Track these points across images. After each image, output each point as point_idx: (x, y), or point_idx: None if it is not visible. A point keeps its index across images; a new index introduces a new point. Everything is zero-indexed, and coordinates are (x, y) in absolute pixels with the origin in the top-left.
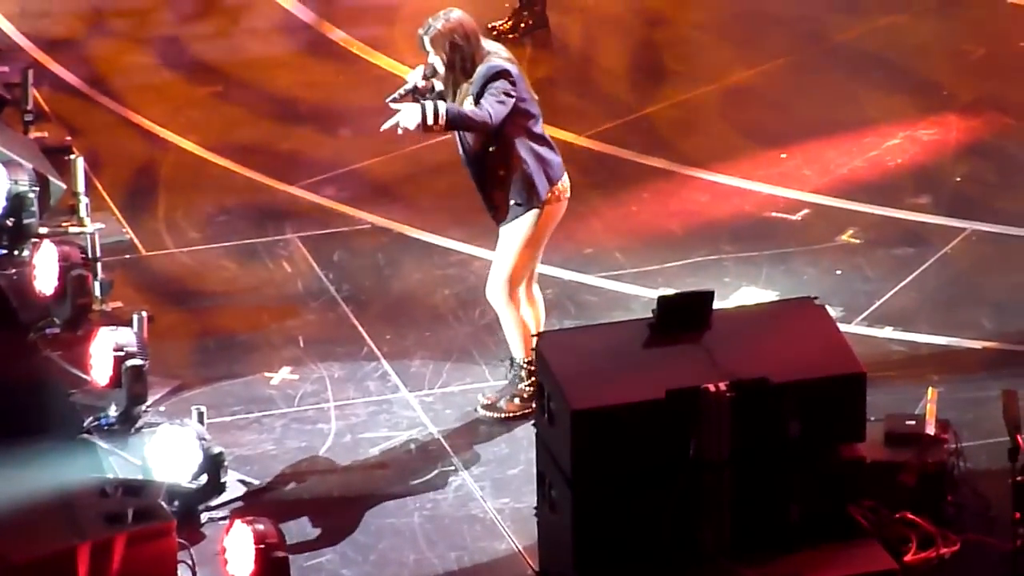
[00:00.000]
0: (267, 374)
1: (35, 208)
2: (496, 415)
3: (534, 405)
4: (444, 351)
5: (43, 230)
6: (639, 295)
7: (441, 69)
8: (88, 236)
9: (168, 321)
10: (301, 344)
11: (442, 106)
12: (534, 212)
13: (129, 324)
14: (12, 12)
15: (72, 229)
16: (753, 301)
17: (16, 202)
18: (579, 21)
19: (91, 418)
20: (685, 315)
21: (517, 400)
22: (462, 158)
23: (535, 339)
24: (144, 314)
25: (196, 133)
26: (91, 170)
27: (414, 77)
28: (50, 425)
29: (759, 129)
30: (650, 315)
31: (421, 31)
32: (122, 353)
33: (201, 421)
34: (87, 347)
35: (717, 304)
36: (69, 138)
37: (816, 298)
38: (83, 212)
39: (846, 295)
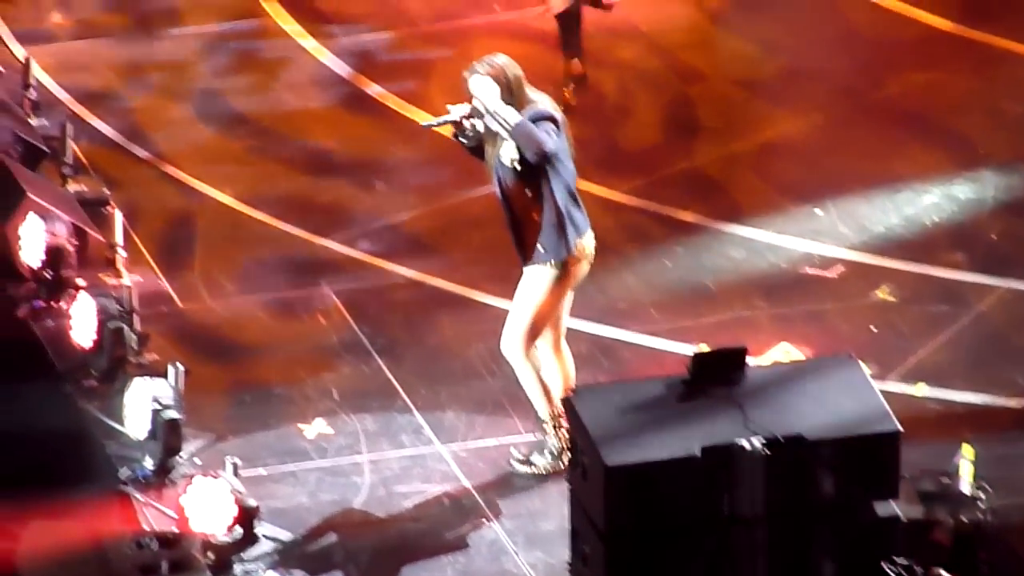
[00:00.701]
0: (301, 426)
1: (73, 260)
2: (530, 470)
3: (565, 461)
4: (478, 404)
5: (81, 282)
6: (673, 351)
7: (494, 100)
8: (125, 288)
9: (204, 373)
10: (335, 397)
11: (514, 112)
12: (555, 269)
13: (165, 376)
14: (51, 65)
15: (109, 281)
16: (787, 357)
17: (54, 254)
18: (615, 76)
19: (127, 470)
20: (719, 371)
21: (549, 457)
22: (498, 197)
23: (569, 394)
24: (180, 366)
25: (233, 186)
26: (129, 223)
27: (457, 112)
28: (86, 476)
29: (794, 185)
30: (684, 371)
31: (466, 73)
32: (158, 405)
33: (236, 473)
34: (123, 399)
35: (751, 360)
36: (107, 191)
37: (851, 355)
38: (120, 265)
39: (881, 352)
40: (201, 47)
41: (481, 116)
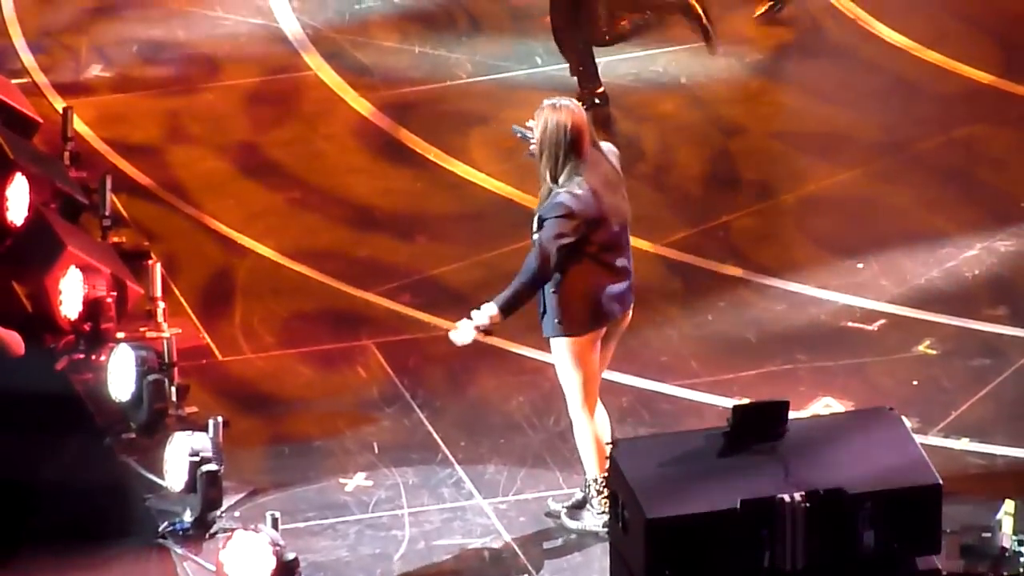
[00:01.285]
0: (342, 480)
1: (112, 313)
2: (578, 525)
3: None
4: (519, 458)
5: (120, 335)
6: (714, 404)
7: (532, 146)
8: (165, 341)
9: (243, 426)
10: (376, 450)
11: (488, 308)
12: (569, 340)
13: (205, 429)
14: (91, 117)
15: (149, 334)
16: (828, 411)
17: (93, 307)
18: (655, 129)
19: (166, 523)
20: (760, 424)
21: (589, 514)
22: None
23: (608, 447)
24: (219, 419)
25: (273, 238)
26: (168, 275)
27: (525, 128)
28: (126, 530)
29: (835, 239)
30: (725, 424)
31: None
32: (197, 458)
33: (275, 527)
34: (163, 452)
35: (792, 414)
36: (146, 243)
37: (892, 408)
38: (160, 317)
39: (922, 406)
40: (241, 99)
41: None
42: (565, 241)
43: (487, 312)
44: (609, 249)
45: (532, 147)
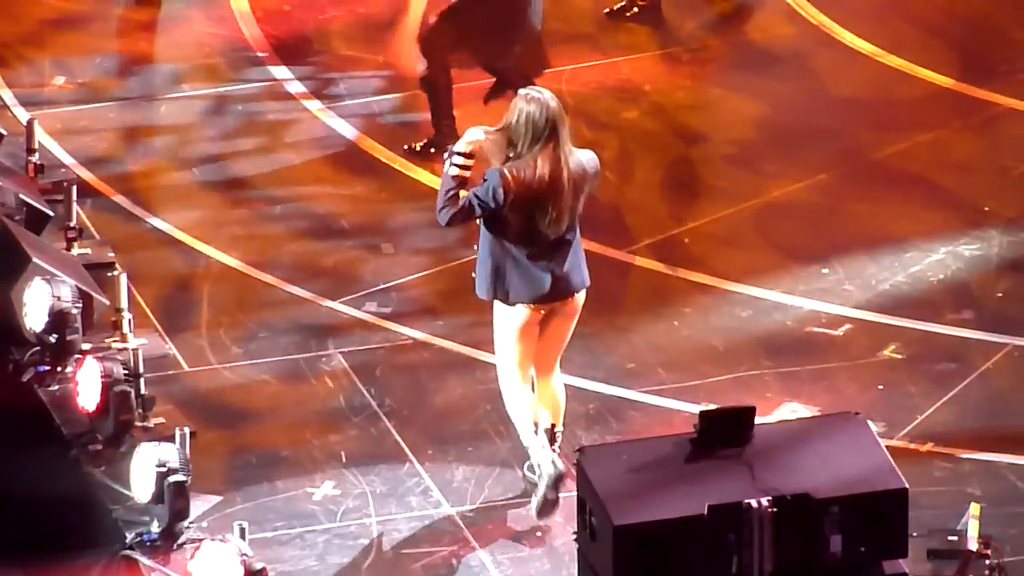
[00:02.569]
0: (309, 489)
1: (78, 324)
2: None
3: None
4: (486, 465)
5: (86, 346)
6: (680, 410)
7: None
8: (131, 352)
9: (210, 437)
10: (343, 459)
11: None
12: (494, 303)
13: (171, 440)
14: (55, 129)
15: (115, 345)
16: (795, 416)
17: (59, 318)
18: (616, 138)
19: (134, 534)
20: (727, 430)
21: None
22: None
23: (577, 454)
24: (186, 430)
25: (238, 249)
26: (134, 286)
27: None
28: (93, 541)
29: (800, 244)
30: (692, 430)
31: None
32: (164, 469)
33: (243, 537)
34: (129, 463)
35: (759, 419)
36: (112, 254)
37: (858, 413)
38: (126, 328)
39: (888, 410)
40: (205, 110)
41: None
42: (475, 209)
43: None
44: (525, 240)
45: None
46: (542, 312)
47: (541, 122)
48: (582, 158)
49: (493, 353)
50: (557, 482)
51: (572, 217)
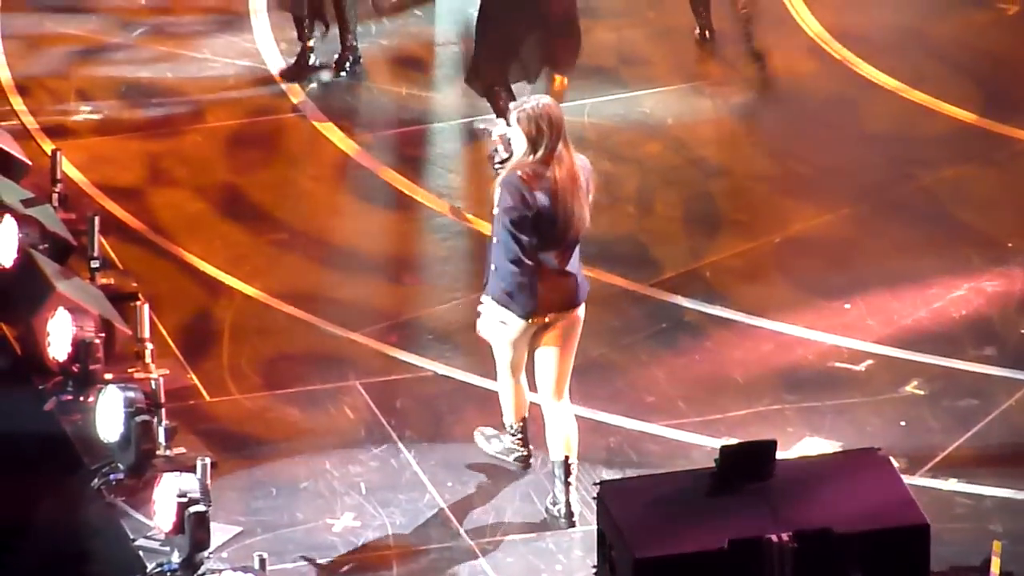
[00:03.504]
0: (329, 520)
1: (100, 354)
2: (487, 448)
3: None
4: (506, 498)
5: (108, 376)
6: (701, 444)
7: (518, 147)
8: (153, 382)
9: (231, 467)
10: (363, 491)
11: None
12: (497, 306)
13: (192, 470)
14: (79, 160)
15: (137, 375)
16: (816, 451)
17: (81, 348)
18: (637, 171)
19: (154, 564)
20: (748, 465)
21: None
22: None
23: (597, 487)
24: (207, 460)
25: (259, 280)
26: (156, 316)
27: (497, 130)
28: (114, 571)
29: (822, 279)
30: (712, 464)
31: (513, 105)
32: (185, 499)
33: (263, 568)
34: (151, 493)
35: (780, 454)
36: (134, 284)
37: (880, 449)
38: (148, 358)
39: (910, 446)
40: (228, 141)
41: (509, 148)
42: (507, 216)
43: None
44: (543, 245)
45: (498, 155)
46: (546, 320)
47: (550, 127)
48: (579, 159)
49: None
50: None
51: (585, 218)
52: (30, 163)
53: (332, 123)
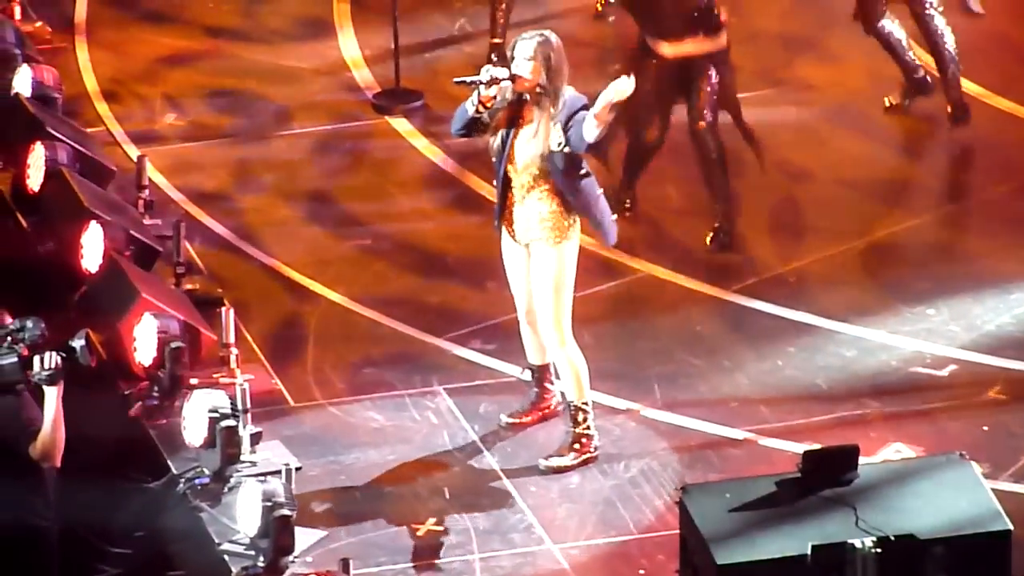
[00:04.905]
0: (413, 525)
1: (186, 359)
2: (555, 464)
3: (591, 449)
4: (589, 503)
5: (194, 381)
6: (784, 449)
7: (528, 74)
8: (238, 387)
9: (315, 472)
10: (447, 495)
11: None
12: (563, 246)
13: (277, 475)
14: (164, 166)
15: (222, 380)
16: (899, 457)
17: (167, 354)
18: None
19: (240, 569)
20: (830, 470)
21: (573, 444)
22: (499, 176)
23: (680, 493)
24: (292, 465)
25: (344, 285)
26: (241, 322)
27: (492, 72)
28: (199, 574)
29: (905, 285)
30: (795, 470)
31: (525, 36)
32: (270, 504)
33: (347, 572)
34: (236, 498)
35: (863, 459)
36: (219, 290)
37: (963, 454)
38: (233, 363)
39: (992, 451)
40: (313, 147)
41: (516, 80)
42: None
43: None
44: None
45: (498, 88)
46: None
47: (564, 58)
48: None
49: (602, 393)
50: None
51: None
52: (115, 169)
53: (416, 129)
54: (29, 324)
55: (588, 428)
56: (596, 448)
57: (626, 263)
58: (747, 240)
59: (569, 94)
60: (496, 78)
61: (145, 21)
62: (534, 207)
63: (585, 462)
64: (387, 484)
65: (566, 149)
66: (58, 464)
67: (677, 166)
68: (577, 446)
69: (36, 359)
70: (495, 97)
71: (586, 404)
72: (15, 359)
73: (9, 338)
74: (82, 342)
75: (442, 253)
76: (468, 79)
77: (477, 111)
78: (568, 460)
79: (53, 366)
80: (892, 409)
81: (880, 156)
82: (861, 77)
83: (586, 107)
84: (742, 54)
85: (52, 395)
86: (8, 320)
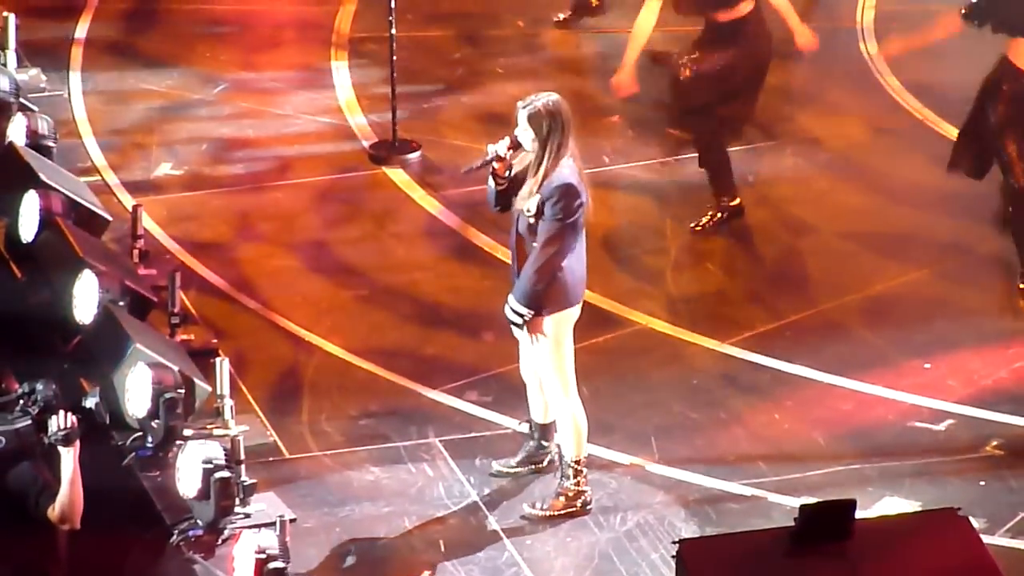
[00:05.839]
0: None
1: (180, 410)
2: (540, 514)
3: (579, 505)
4: (586, 556)
5: (188, 432)
6: (781, 503)
7: (528, 146)
8: (232, 438)
9: (310, 524)
10: (442, 548)
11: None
12: (552, 319)
13: (271, 527)
14: (160, 215)
15: (216, 431)
16: (896, 511)
17: (161, 404)
18: (719, 229)
19: None
20: (827, 524)
21: (562, 499)
22: (512, 234)
23: (676, 546)
24: (286, 516)
25: (340, 336)
26: (236, 372)
27: (494, 149)
28: None
29: (903, 339)
30: (792, 524)
31: (521, 104)
32: (264, 556)
33: None
34: (230, 549)
35: (860, 514)
36: (215, 340)
37: (959, 509)
38: (227, 414)
39: (990, 507)
40: (310, 197)
41: (520, 148)
42: (573, 218)
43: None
44: (582, 231)
45: (508, 155)
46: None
47: (565, 120)
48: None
49: (598, 445)
50: None
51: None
52: (111, 218)
53: (414, 180)
54: (39, 387)
55: (579, 485)
56: (587, 506)
57: (623, 315)
58: (744, 292)
59: (558, 179)
60: (500, 155)
61: (142, 69)
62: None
63: (572, 515)
64: (382, 537)
65: (531, 220)
66: (78, 526)
67: (678, 218)
68: (564, 500)
69: (51, 420)
70: (509, 165)
71: (579, 462)
72: (29, 422)
73: (21, 402)
74: (96, 399)
75: (439, 304)
76: (475, 164)
77: (498, 185)
78: (554, 513)
79: (68, 426)
80: (889, 464)
81: (879, 209)
82: (862, 130)
83: (565, 194)
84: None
85: (68, 456)
86: (16, 386)
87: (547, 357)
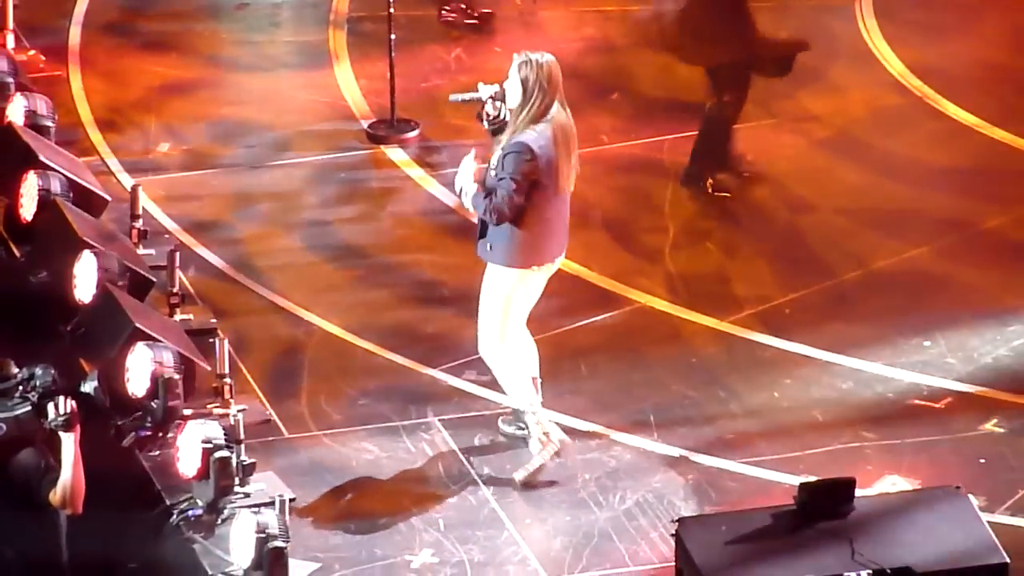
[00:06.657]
0: (407, 557)
1: (179, 390)
2: (526, 472)
3: (554, 441)
4: (584, 535)
5: (187, 412)
6: (780, 482)
7: (514, 100)
8: (232, 418)
9: (309, 503)
10: (442, 527)
11: (469, 197)
12: (508, 271)
13: (271, 506)
14: (159, 195)
15: (216, 411)
16: (895, 489)
17: (160, 384)
18: (718, 207)
19: None
20: (827, 502)
21: (537, 446)
22: None
23: (675, 525)
24: (286, 496)
25: (339, 316)
26: (235, 352)
27: (485, 91)
28: None
29: (902, 316)
30: (791, 502)
31: (517, 55)
32: (264, 535)
33: None
34: (230, 529)
35: (859, 492)
36: (214, 320)
37: (959, 487)
38: (227, 394)
39: (989, 484)
40: (309, 177)
41: (505, 101)
42: (518, 176)
43: (465, 200)
44: (558, 195)
45: (493, 106)
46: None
47: (550, 84)
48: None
49: (597, 424)
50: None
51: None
52: (109, 199)
53: (412, 160)
54: (38, 371)
55: (541, 426)
56: (560, 440)
57: (622, 294)
58: (743, 270)
59: (517, 137)
60: (482, 100)
61: (140, 49)
62: None
63: (556, 454)
64: (381, 515)
65: (492, 172)
66: (80, 511)
67: (677, 197)
68: (538, 446)
69: (50, 406)
70: (496, 111)
71: (530, 404)
72: (29, 408)
73: (20, 388)
74: (95, 383)
75: (437, 283)
76: (463, 97)
77: (484, 125)
78: (537, 462)
79: (68, 411)
80: (888, 441)
81: (879, 187)
82: (861, 107)
83: (519, 154)
84: None
85: (69, 441)
86: (14, 370)
87: (490, 300)
